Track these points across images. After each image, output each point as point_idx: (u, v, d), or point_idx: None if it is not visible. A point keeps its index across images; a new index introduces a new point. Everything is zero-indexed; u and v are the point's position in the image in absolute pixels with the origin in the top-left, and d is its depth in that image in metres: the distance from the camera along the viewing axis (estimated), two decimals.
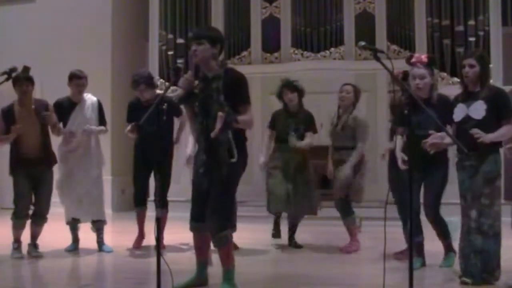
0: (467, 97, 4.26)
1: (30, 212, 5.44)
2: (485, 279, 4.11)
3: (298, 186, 5.69)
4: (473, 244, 4.12)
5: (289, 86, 5.81)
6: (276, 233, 5.99)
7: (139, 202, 5.88)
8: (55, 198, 5.70)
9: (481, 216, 4.12)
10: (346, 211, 5.64)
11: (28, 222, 5.44)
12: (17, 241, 5.38)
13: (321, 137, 6.32)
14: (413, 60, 4.68)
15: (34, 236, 5.48)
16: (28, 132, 5.32)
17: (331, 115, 5.82)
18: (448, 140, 4.23)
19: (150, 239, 5.83)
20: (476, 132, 4.07)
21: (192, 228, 4.05)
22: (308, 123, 5.83)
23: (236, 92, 3.82)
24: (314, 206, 5.82)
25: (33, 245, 5.47)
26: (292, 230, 5.95)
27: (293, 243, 5.91)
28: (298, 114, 5.83)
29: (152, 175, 5.87)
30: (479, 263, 4.11)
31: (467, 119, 4.20)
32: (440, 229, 4.74)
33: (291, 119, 5.79)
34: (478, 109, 4.16)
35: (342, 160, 5.57)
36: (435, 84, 4.79)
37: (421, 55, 4.78)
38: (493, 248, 4.13)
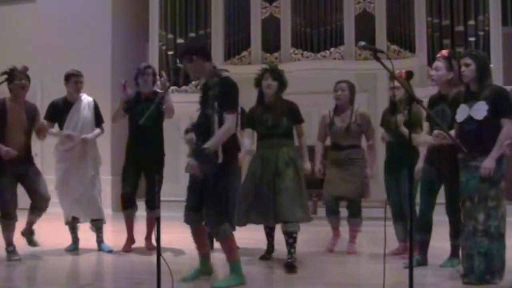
0: (469, 97, 4.27)
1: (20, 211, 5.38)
2: (487, 280, 4.11)
3: (284, 186, 4.78)
4: (478, 246, 4.12)
5: (272, 72, 5.09)
6: (268, 254, 5.29)
7: (129, 205, 5.71)
8: (54, 198, 5.70)
9: (489, 219, 4.12)
10: (359, 212, 5.59)
11: (21, 220, 5.36)
12: (10, 244, 5.28)
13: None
14: (437, 55, 4.85)
15: (31, 223, 5.45)
16: (16, 129, 5.29)
17: (325, 114, 5.63)
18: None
19: (140, 240, 5.82)
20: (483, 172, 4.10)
21: (188, 219, 4.20)
22: (291, 114, 5.08)
23: (226, 98, 4.08)
24: (307, 210, 4.94)
25: (30, 231, 5.45)
26: (289, 244, 4.80)
27: (288, 263, 4.76)
28: (275, 106, 5.05)
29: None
30: (483, 264, 4.10)
31: (469, 119, 4.21)
32: (455, 229, 4.71)
33: (269, 114, 5.03)
34: (480, 110, 4.16)
35: (350, 159, 5.45)
36: (456, 81, 4.69)
37: (443, 50, 4.91)
38: (498, 249, 4.13)
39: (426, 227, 4.79)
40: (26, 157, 5.37)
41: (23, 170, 5.30)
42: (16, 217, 5.30)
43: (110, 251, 5.64)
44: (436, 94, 4.84)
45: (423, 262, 4.79)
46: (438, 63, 4.74)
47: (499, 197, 4.16)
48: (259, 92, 5.16)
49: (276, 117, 5.00)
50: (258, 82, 5.13)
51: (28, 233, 5.48)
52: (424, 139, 4.73)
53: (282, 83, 5.09)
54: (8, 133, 5.27)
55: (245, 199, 4.94)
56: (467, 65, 4.24)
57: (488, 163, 4.10)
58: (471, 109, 4.21)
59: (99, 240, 5.74)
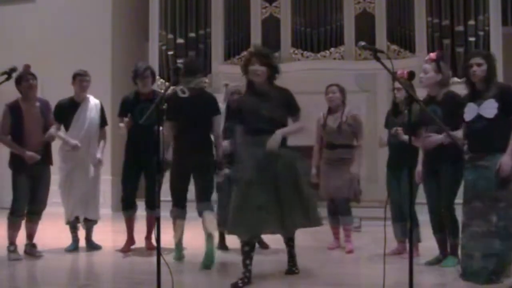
0: (476, 96, 4.27)
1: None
2: (493, 280, 4.09)
3: (284, 190, 4.18)
4: (488, 247, 4.10)
5: (258, 56, 4.30)
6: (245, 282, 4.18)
7: (130, 206, 5.71)
8: (56, 198, 5.71)
9: (500, 220, 4.11)
10: (349, 210, 5.65)
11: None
12: (12, 243, 5.30)
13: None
14: (426, 58, 4.90)
15: (31, 235, 5.45)
16: (33, 128, 5.34)
17: (319, 116, 5.77)
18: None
19: (140, 240, 5.83)
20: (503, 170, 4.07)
21: None
22: (287, 104, 4.36)
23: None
24: (315, 215, 4.39)
25: (31, 245, 5.45)
26: (289, 245, 4.59)
27: (289, 271, 4.60)
28: (269, 94, 4.32)
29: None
30: (490, 264, 4.09)
31: (479, 118, 4.20)
32: (452, 228, 4.73)
33: (263, 103, 4.27)
34: (490, 108, 4.16)
35: (341, 158, 5.57)
36: (445, 82, 4.77)
37: (432, 53, 4.94)
38: (505, 249, 4.12)
39: (439, 226, 4.82)
40: (44, 156, 5.40)
41: (38, 170, 5.35)
42: (23, 216, 5.36)
43: (97, 248, 5.71)
44: (426, 97, 4.87)
45: (444, 258, 4.84)
46: (427, 66, 4.79)
47: (509, 197, 4.13)
48: (248, 80, 4.41)
49: (274, 109, 4.27)
50: (245, 69, 4.37)
51: (30, 248, 5.43)
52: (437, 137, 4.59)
53: (272, 68, 4.34)
54: (27, 134, 5.32)
55: (239, 206, 4.17)
56: (479, 64, 4.23)
57: (508, 160, 4.07)
58: (480, 107, 4.20)
59: (89, 238, 5.80)
